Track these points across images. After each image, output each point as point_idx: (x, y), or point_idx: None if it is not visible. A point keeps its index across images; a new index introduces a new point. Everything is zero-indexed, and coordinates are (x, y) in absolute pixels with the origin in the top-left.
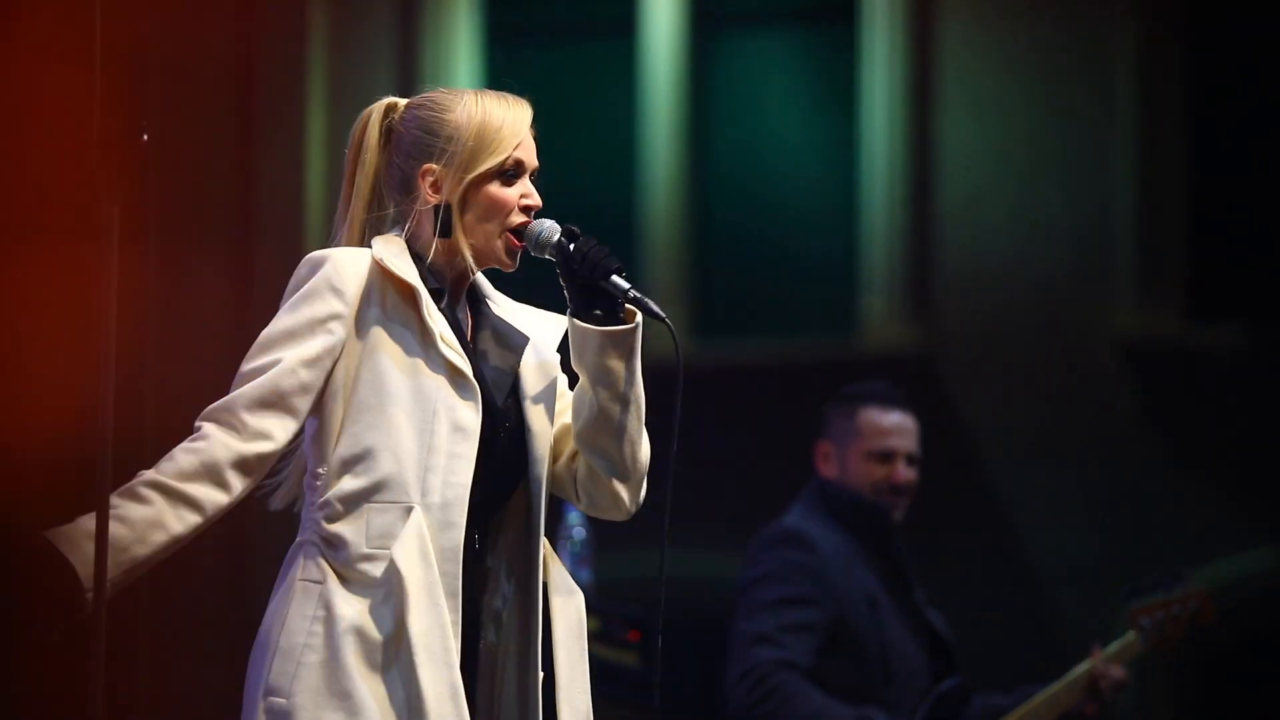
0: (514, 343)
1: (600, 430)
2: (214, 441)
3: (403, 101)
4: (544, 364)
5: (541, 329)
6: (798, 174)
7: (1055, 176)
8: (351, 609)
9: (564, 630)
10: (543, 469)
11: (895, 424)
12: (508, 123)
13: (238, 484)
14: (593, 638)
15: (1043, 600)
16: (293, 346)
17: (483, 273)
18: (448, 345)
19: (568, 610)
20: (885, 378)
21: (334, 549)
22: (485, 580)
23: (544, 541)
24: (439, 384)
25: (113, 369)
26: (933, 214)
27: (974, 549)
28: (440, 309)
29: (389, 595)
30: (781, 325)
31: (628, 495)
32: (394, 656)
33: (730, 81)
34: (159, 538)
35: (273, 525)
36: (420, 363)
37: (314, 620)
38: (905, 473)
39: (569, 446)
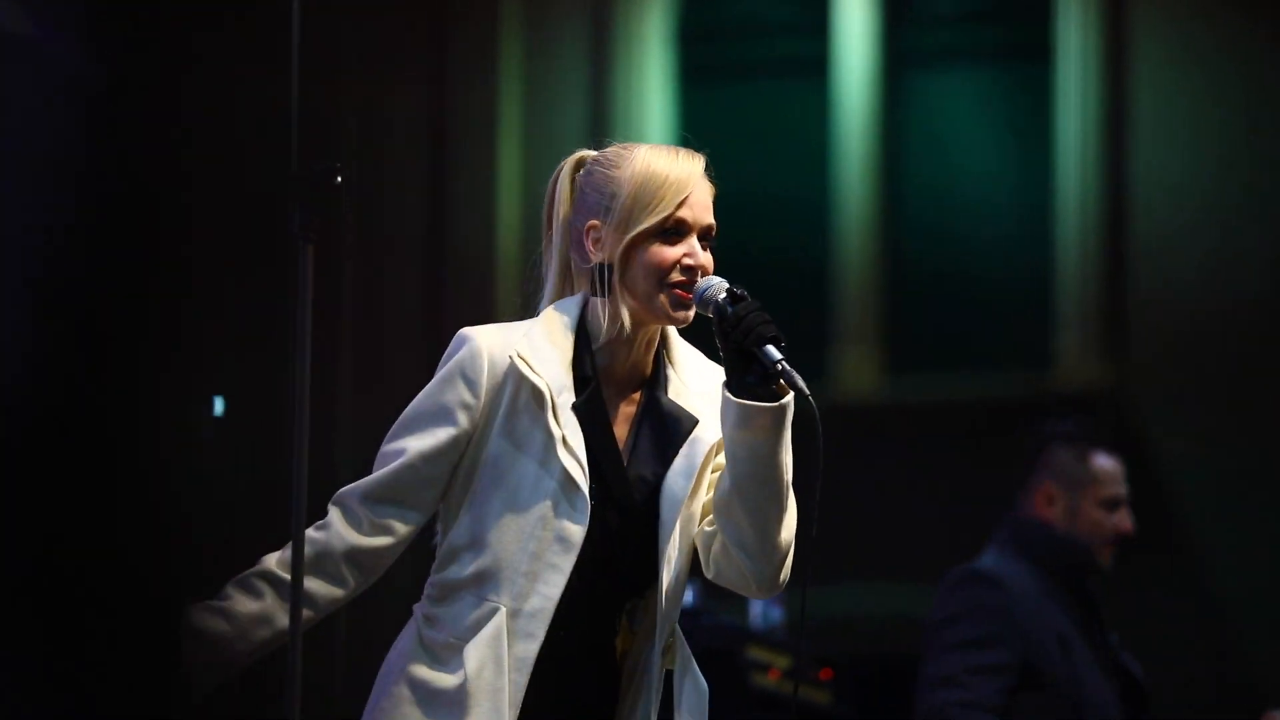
0: (675, 435)
1: (731, 506)
2: (333, 534)
3: (592, 155)
4: (705, 449)
5: (714, 395)
6: (991, 211)
7: (1251, 208)
8: (423, 695)
9: None
10: (667, 570)
11: (1120, 470)
12: (671, 178)
13: (353, 579)
14: (787, 676)
15: (1238, 648)
16: (421, 436)
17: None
18: (569, 452)
19: (689, 705)
20: (1082, 415)
21: (430, 627)
22: (583, 686)
23: (676, 633)
24: (553, 491)
25: (307, 408)
26: (1127, 249)
27: (1167, 591)
28: (582, 403)
29: (457, 693)
30: (975, 362)
31: (756, 576)
32: None
33: (923, 120)
34: (262, 634)
35: None
36: (539, 465)
37: (395, 698)
38: (1128, 522)
39: (710, 512)
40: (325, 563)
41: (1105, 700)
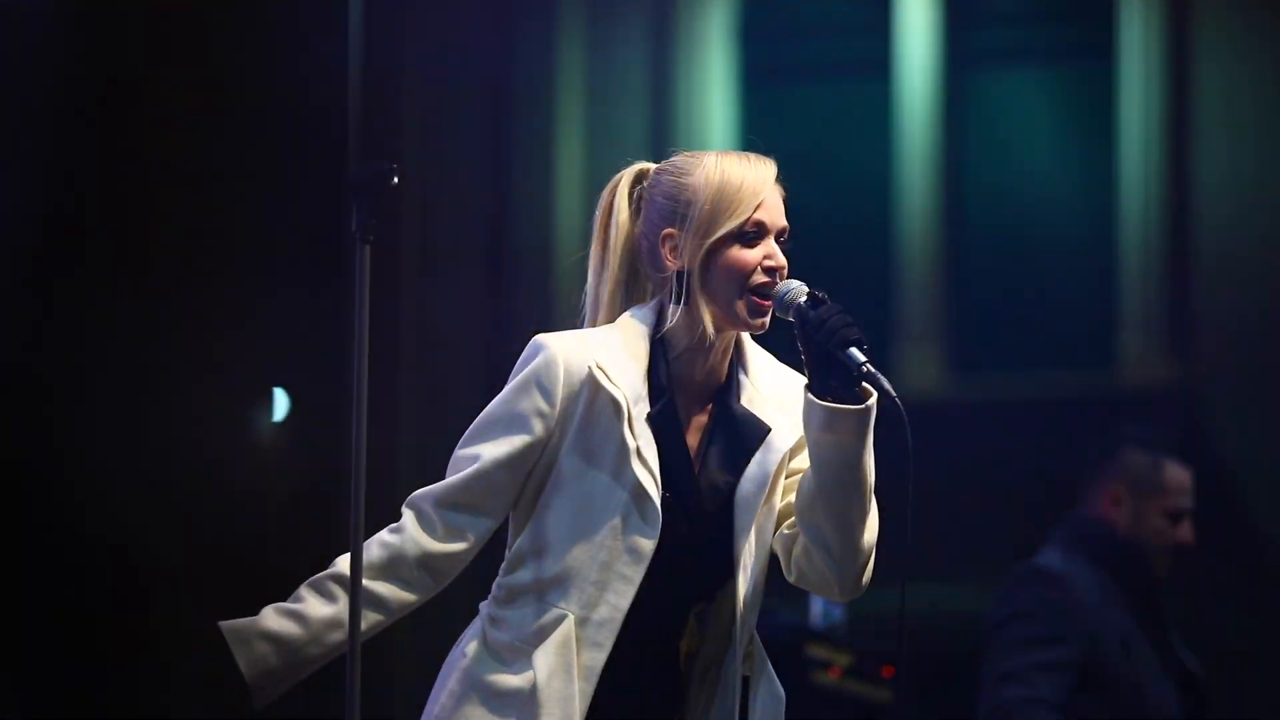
0: (747, 443)
1: (815, 509)
2: (407, 537)
3: (653, 167)
4: (778, 457)
5: (797, 408)
6: (1054, 209)
7: None
8: (487, 695)
9: None
10: (744, 578)
11: (1188, 482)
12: (747, 183)
13: (426, 583)
14: (847, 674)
15: None
16: (496, 443)
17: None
18: (642, 464)
19: (765, 712)
20: (1155, 421)
21: (496, 628)
22: (646, 693)
23: (755, 639)
24: (624, 502)
25: (365, 408)
26: (1191, 247)
27: (1231, 590)
28: (656, 413)
29: (526, 700)
30: (1038, 361)
31: (838, 580)
32: None
33: (985, 119)
34: (336, 637)
35: None
36: (612, 475)
37: (458, 697)
38: (1189, 533)
39: (783, 523)
40: (399, 567)
41: (1165, 700)
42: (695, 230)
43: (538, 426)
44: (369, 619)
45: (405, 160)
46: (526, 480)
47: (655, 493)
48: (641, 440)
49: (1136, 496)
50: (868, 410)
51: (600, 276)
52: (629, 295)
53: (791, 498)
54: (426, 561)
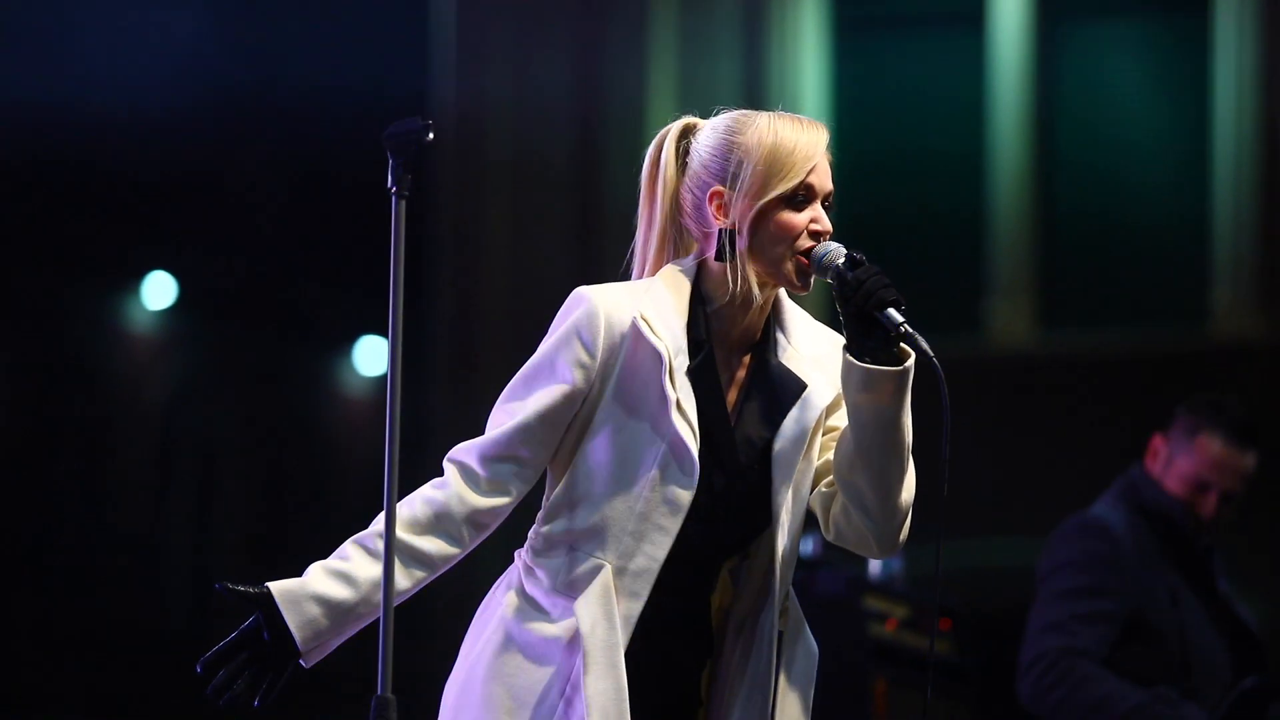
0: (784, 399)
1: (853, 468)
2: (451, 493)
3: (700, 121)
4: (815, 414)
5: (834, 366)
6: (1146, 163)
7: None
8: (525, 643)
9: (794, 689)
10: (782, 534)
11: (1231, 463)
12: (801, 146)
13: (470, 537)
14: (904, 626)
15: None
16: (538, 395)
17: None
18: (681, 415)
19: (799, 668)
20: (1228, 369)
21: (532, 577)
22: (677, 643)
23: (790, 595)
24: (663, 453)
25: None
26: None
27: None
28: (696, 366)
29: (565, 648)
30: (1129, 315)
31: (876, 538)
32: (560, 710)
33: (1078, 71)
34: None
35: None
36: (651, 427)
37: (495, 644)
38: (1212, 508)
39: (821, 481)
40: (444, 522)
41: (1214, 652)
42: (746, 190)
43: (578, 378)
44: (413, 575)
45: (494, 117)
46: (566, 432)
47: (694, 444)
48: (681, 392)
49: (1170, 453)
50: (905, 371)
51: (649, 231)
52: (675, 250)
53: (829, 455)
54: (470, 516)
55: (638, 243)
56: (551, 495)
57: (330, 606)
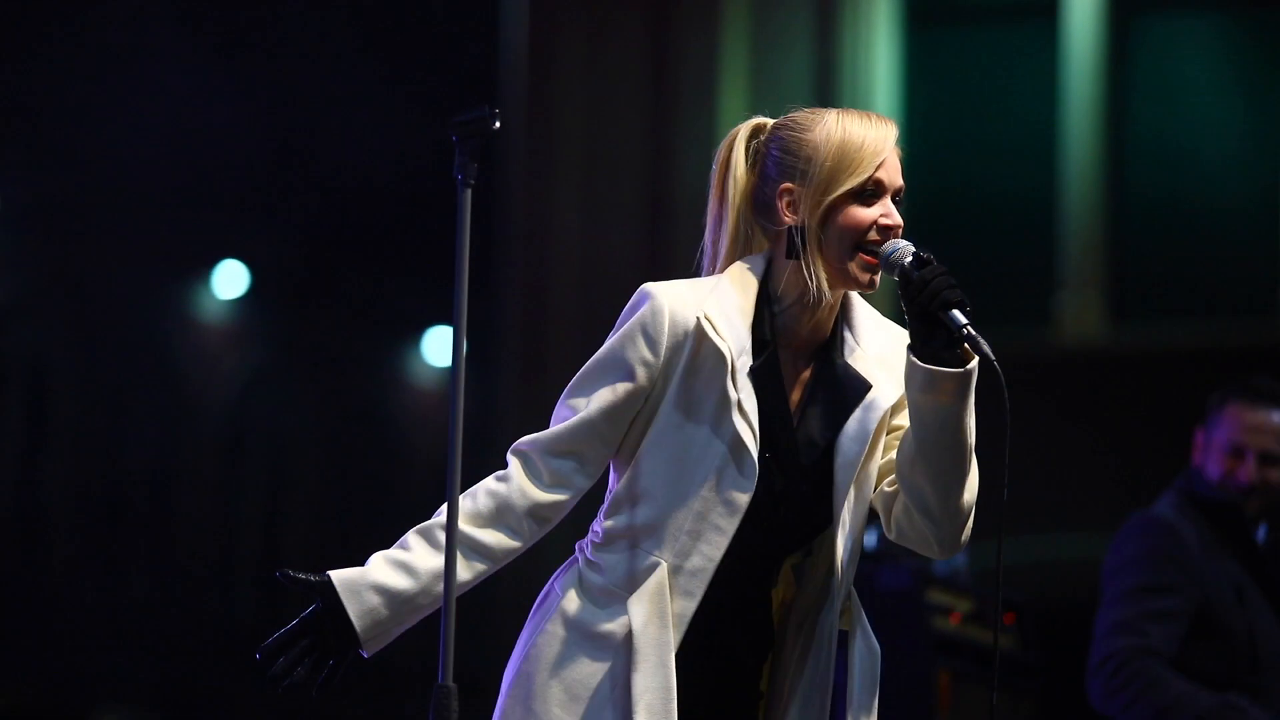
0: (848, 400)
1: (915, 468)
2: (514, 486)
3: (770, 121)
4: (879, 415)
5: (900, 364)
6: (1219, 159)
7: None
8: (581, 636)
9: (860, 690)
10: (843, 534)
11: (1257, 421)
12: (869, 141)
13: (531, 531)
14: (968, 620)
15: None
16: (601, 392)
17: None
18: (743, 417)
19: (863, 667)
20: (1258, 376)
21: (591, 570)
22: (737, 636)
23: (852, 594)
24: (722, 454)
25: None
26: None
27: None
28: (759, 366)
29: (620, 643)
30: (1200, 309)
31: (937, 539)
32: (611, 706)
33: (1152, 64)
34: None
35: None
36: (712, 427)
37: (552, 635)
38: (1255, 472)
39: (883, 480)
40: (506, 516)
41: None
42: (815, 186)
43: (642, 375)
44: (474, 568)
45: (565, 108)
46: (629, 428)
47: (754, 446)
48: (743, 393)
49: (1206, 439)
50: (969, 373)
51: (718, 230)
52: (746, 249)
53: (893, 455)
54: (532, 509)
55: (707, 241)
56: (613, 490)
57: (390, 596)
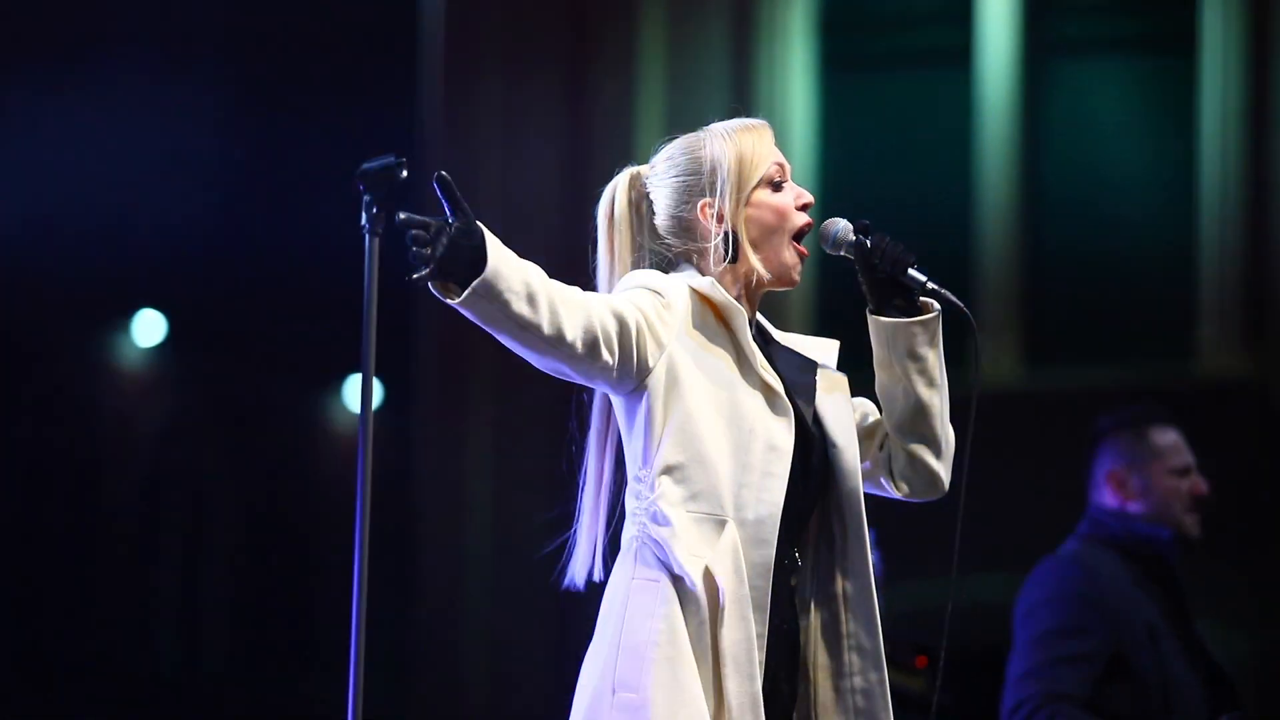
0: (805, 366)
1: (920, 416)
2: (592, 299)
3: (643, 168)
4: (834, 382)
5: (818, 352)
6: (1133, 202)
7: None
8: (682, 609)
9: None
10: (857, 480)
11: (1180, 440)
12: (758, 137)
13: (574, 337)
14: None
15: None
16: (640, 306)
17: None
18: (763, 367)
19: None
20: (1214, 406)
21: (657, 548)
22: (794, 593)
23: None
24: (755, 403)
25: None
26: (1271, 240)
27: None
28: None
29: (703, 604)
30: (1115, 353)
31: (944, 472)
32: (703, 663)
33: (1066, 109)
34: (520, 302)
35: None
36: (737, 382)
37: (657, 618)
38: (1204, 483)
39: (873, 447)
40: (578, 314)
41: (1192, 691)
42: (731, 189)
43: (671, 319)
44: (532, 313)
45: (485, 158)
46: (648, 387)
47: (781, 389)
48: (755, 347)
49: (1137, 469)
50: (936, 317)
51: (611, 279)
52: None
53: (872, 439)
54: (588, 324)
55: (602, 279)
56: (654, 465)
57: (521, 271)
